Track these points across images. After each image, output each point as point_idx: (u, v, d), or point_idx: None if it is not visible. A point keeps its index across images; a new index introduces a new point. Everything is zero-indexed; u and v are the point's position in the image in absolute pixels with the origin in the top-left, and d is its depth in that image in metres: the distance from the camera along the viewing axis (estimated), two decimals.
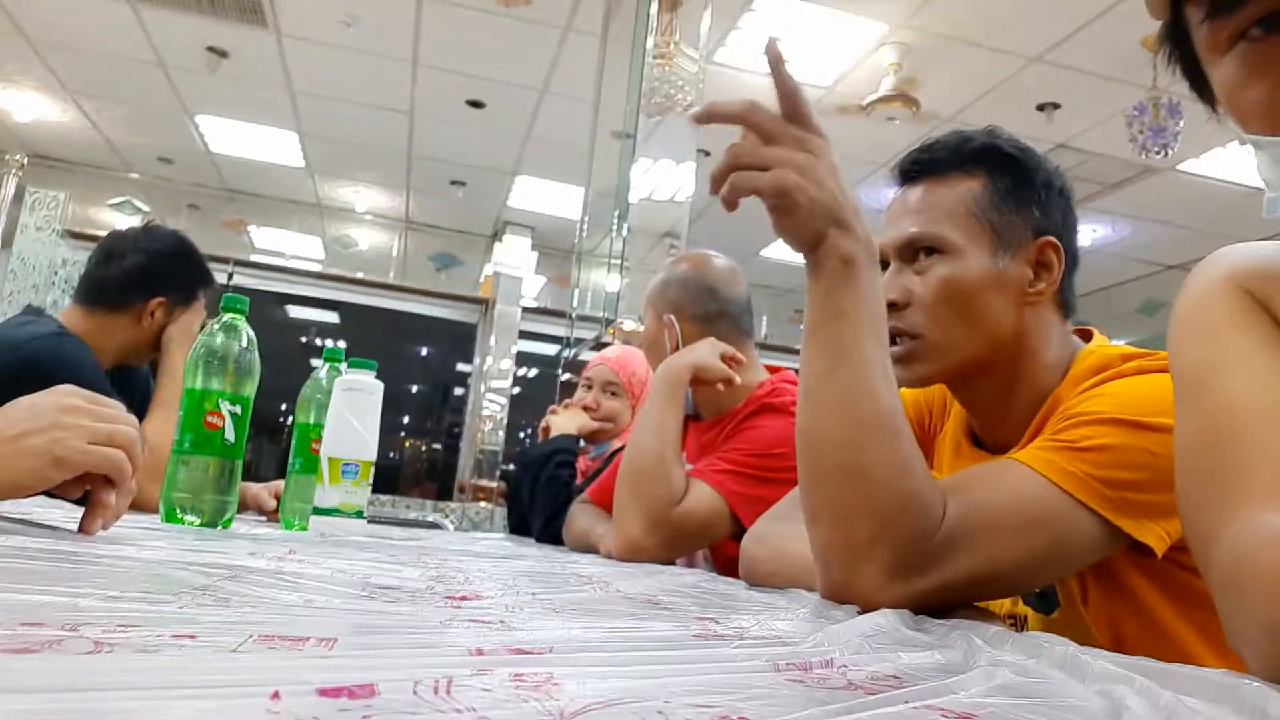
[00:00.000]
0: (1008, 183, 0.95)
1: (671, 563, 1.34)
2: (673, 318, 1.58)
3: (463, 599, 0.59)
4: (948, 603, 0.72)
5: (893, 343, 0.94)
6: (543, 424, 2.16)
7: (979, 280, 0.92)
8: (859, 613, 0.69)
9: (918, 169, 0.99)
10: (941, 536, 0.71)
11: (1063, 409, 0.85)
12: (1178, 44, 0.59)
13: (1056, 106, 4.62)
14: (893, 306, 0.93)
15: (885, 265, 0.99)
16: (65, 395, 0.75)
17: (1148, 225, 6.04)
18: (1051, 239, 0.95)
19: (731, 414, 1.53)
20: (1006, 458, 0.81)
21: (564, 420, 2.10)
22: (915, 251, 0.95)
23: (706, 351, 1.50)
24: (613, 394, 2.17)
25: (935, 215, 0.95)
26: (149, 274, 1.75)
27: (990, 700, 0.40)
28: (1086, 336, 1.00)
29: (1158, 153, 4.12)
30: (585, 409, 2.16)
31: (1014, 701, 0.40)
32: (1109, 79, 4.30)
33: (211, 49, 4.94)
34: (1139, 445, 0.77)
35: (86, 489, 0.77)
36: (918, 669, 0.47)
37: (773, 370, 1.61)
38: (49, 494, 0.76)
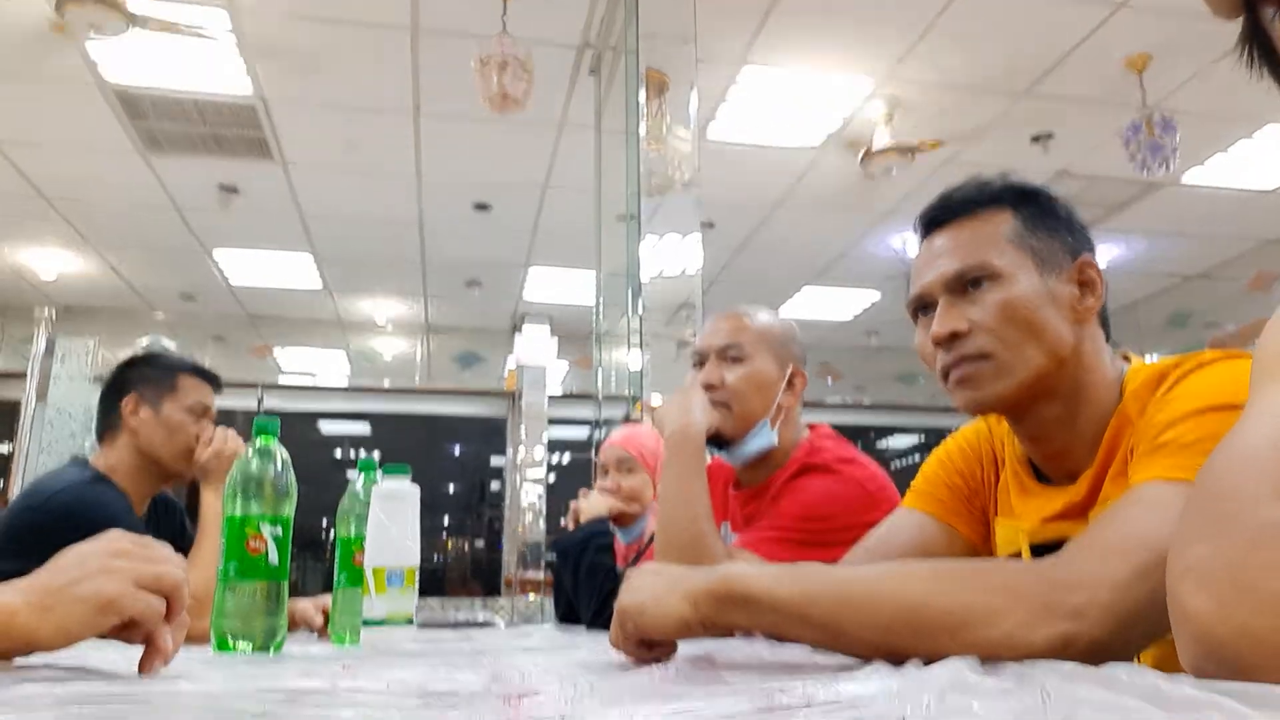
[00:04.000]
0: (1035, 212, 0.98)
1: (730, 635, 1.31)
2: (797, 371, 1.54)
3: (521, 697, 0.58)
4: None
5: (957, 366, 0.95)
6: (571, 509, 2.15)
7: (1035, 299, 0.94)
8: (924, 664, 0.67)
9: (945, 214, 1.01)
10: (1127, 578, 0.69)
11: (1143, 423, 0.85)
12: (1258, 44, 0.60)
13: (1050, 136, 4.66)
14: (954, 336, 0.94)
15: (924, 310, 1.00)
16: (112, 540, 0.76)
17: (1162, 239, 6.02)
18: (1089, 258, 0.98)
19: (774, 478, 1.50)
20: (1132, 488, 0.79)
21: (593, 503, 2.08)
22: (964, 284, 0.96)
23: (701, 403, 1.47)
24: (629, 471, 2.14)
25: (977, 247, 0.96)
26: (118, 383, 1.87)
27: None
28: (1125, 359, 1.00)
29: (1159, 169, 4.13)
30: (614, 492, 2.14)
31: None
32: (1099, 102, 4.34)
33: (222, 186, 5.12)
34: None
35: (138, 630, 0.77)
36: (994, 718, 0.45)
37: (811, 427, 1.59)
38: (101, 636, 0.76)
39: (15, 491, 4.73)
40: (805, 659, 0.84)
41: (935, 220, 1.02)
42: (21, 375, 5.10)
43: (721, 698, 0.55)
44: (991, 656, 0.67)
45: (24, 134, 4.55)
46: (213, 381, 1.94)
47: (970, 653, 0.67)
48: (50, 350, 4.77)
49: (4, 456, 6.52)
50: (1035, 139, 4.68)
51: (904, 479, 1.31)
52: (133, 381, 1.85)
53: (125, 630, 0.76)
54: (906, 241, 5.86)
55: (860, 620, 0.74)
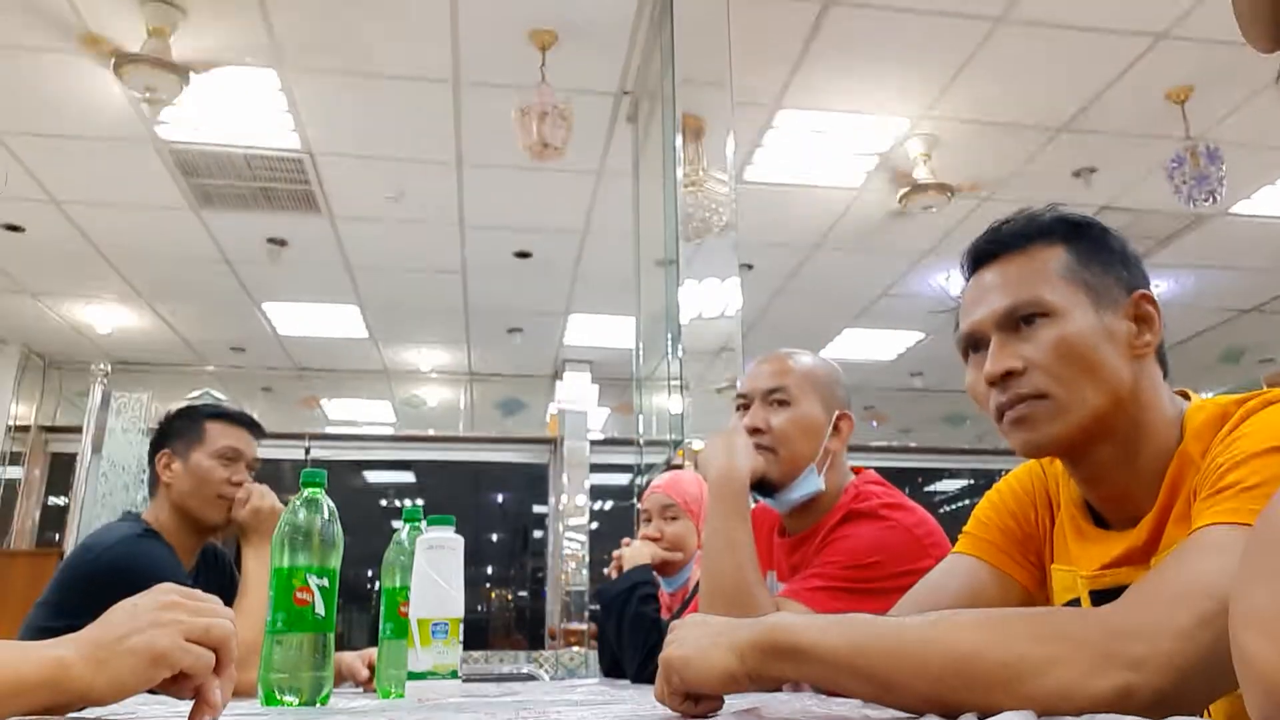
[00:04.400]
0: (1088, 246, 0.96)
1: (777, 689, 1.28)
2: (843, 415, 1.52)
3: None
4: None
5: (1011, 406, 0.92)
6: (615, 558, 2.13)
7: (1091, 336, 0.91)
8: (979, 718, 0.65)
9: (994, 248, 0.98)
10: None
11: (1207, 463, 0.82)
12: None
13: (1093, 171, 4.61)
14: (1009, 375, 0.92)
15: (974, 348, 0.98)
16: (163, 593, 0.77)
17: (1212, 273, 5.90)
18: (1146, 293, 0.95)
19: (820, 525, 1.47)
20: (1194, 532, 0.76)
21: (636, 552, 2.05)
22: (1017, 321, 0.93)
23: (744, 447, 1.45)
24: (672, 518, 2.12)
25: (1030, 283, 0.94)
26: (156, 439, 1.91)
27: None
28: (1183, 396, 0.97)
29: (1205, 200, 4.06)
30: (656, 540, 2.12)
31: None
32: (1141, 136, 4.30)
33: (271, 240, 5.25)
34: None
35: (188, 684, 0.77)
36: None
37: (855, 471, 1.57)
38: (151, 690, 0.77)
39: (70, 543, 4.83)
40: (854, 713, 0.82)
41: (984, 255, 0.99)
42: (78, 429, 5.24)
43: None
44: (1048, 710, 0.65)
45: (83, 193, 4.72)
46: (247, 425, 1.93)
47: (1026, 706, 0.65)
48: (105, 404, 4.89)
49: (61, 508, 6.67)
50: (1076, 174, 4.63)
51: (953, 524, 1.28)
52: (167, 436, 1.89)
53: (175, 684, 0.76)
54: (950, 279, 5.81)
55: (910, 672, 0.72)
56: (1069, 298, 0.92)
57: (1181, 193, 4.09)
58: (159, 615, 0.75)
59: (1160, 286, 6.01)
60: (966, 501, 8.93)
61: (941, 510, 8.68)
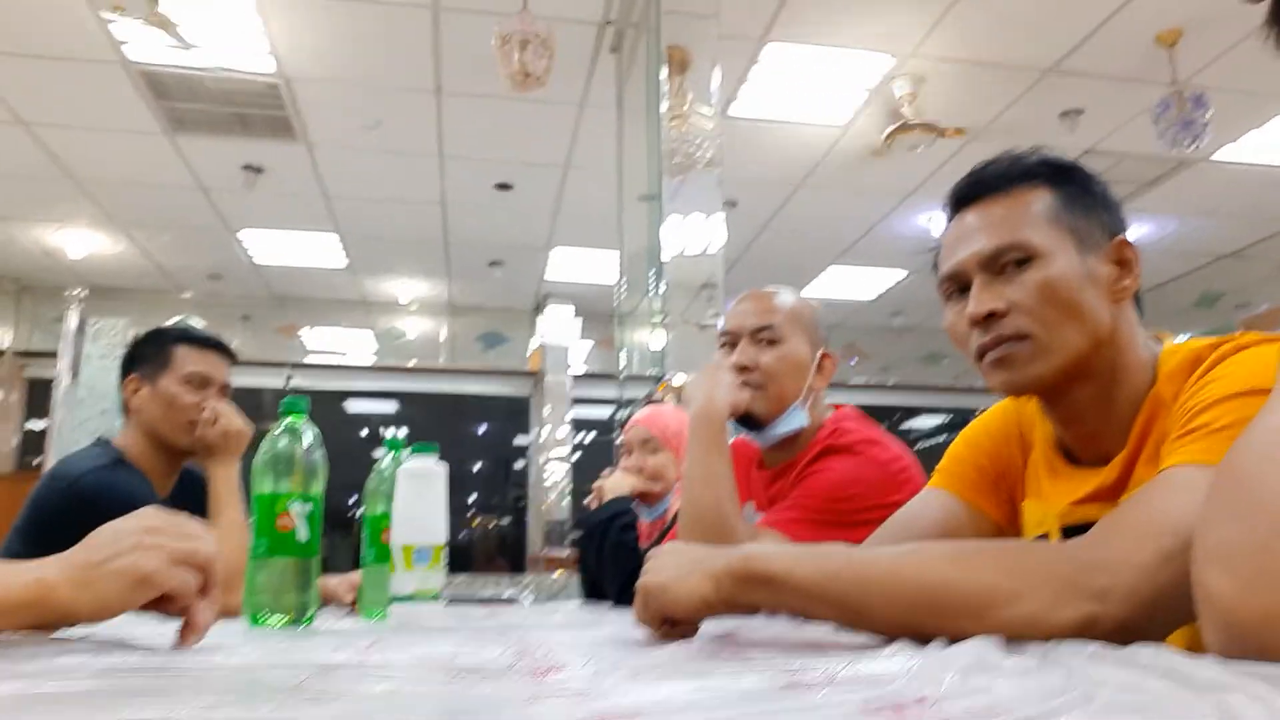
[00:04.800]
0: (1072, 190, 0.96)
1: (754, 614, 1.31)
2: (827, 354, 1.55)
3: (547, 672, 0.59)
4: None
5: (994, 347, 0.93)
6: (595, 489, 2.16)
7: (1075, 279, 0.92)
8: (947, 644, 0.67)
9: (978, 190, 0.98)
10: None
11: (1179, 406, 0.84)
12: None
13: (1079, 113, 4.58)
14: (992, 316, 0.93)
15: (957, 289, 0.98)
16: (146, 517, 0.78)
17: (1192, 218, 5.92)
18: (1125, 238, 0.96)
19: (799, 458, 1.50)
20: (1162, 471, 0.78)
21: (616, 483, 2.09)
22: (1001, 263, 0.94)
23: (728, 383, 1.47)
24: (653, 450, 2.17)
25: (1014, 225, 0.94)
26: (124, 365, 1.88)
27: None
28: (1157, 340, 0.99)
29: (1189, 146, 4.06)
30: (639, 471, 2.16)
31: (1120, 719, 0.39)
32: (1128, 79, 4.27)
33: (247, 166, 5.15)
34: None
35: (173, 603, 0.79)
36: (1014, 699, 0.46)
37: (835, 407, 1.59)
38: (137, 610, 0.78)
39: (49, 467, 4.82)
40: (828, 638, 0.84)
41: (967, 196, 0.99)
42: (53, 355, 5.19)
43: (744, 675, 0.56)
44: (1015, 637, 0.68)
45: (51, 114, 4.59)
46: (216, 348, 1.88)
47: (993, 633, 0.68)
48: (81, 330, 4.84)
49: (40, 433, 6.65)
50: (1063, 115, 4.61)
51: (929, 460, 1.30)
52: (135, 361, 1.85)
53: (161, 604, 0.78)
54: (933, 220, 5.81)
55: (882, 601, 0.74)
56: (1053, 240, 0.93)
57: (1166, 137, 4.09)
58: (143, 538, 0.76)
59: (1141, 231, 6.04)
60: (943, 438, 9.06)
61: (918, 446, 8.81)
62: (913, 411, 9.04)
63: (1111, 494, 0.92)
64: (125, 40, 3.93)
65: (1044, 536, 1.00)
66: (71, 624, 0.75)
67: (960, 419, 8.47)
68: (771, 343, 1.51)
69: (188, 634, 0.78)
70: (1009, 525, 1.08)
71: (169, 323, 1.97)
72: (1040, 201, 0.95)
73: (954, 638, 0.68)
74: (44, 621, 0.72)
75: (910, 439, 8.94)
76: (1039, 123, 4.62)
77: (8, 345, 7.00)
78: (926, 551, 0.79)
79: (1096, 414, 0.95)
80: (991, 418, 1.12)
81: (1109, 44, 4.01)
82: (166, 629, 0.81)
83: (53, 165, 5.11)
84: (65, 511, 1.61)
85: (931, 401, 8.72)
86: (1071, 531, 0.94)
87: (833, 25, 3.92)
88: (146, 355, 1.85)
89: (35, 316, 7.12)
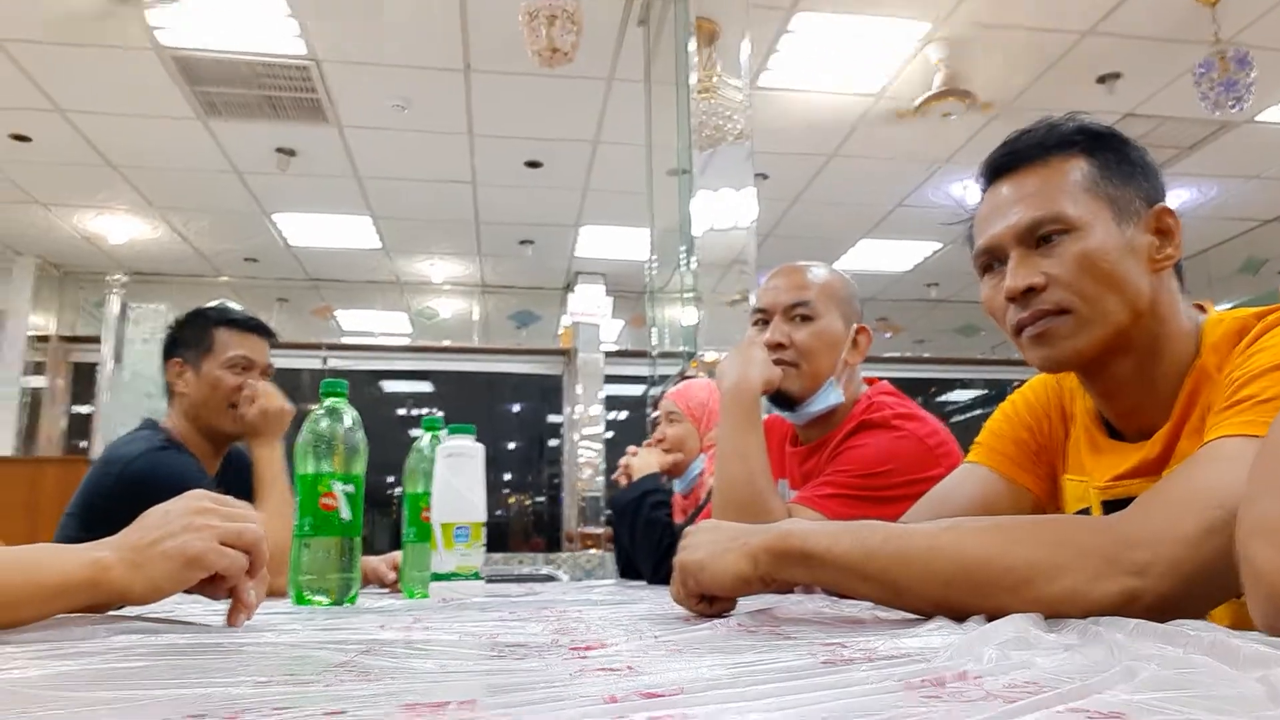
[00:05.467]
0: (1109, 158, 0.94)
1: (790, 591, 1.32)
2: (862, 328, 1.53)
3: (588, 648, 0.60)
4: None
5: (1033, 323, 0.92)
6: (621, 465, 2.19)
7: (1114, 250, 0.90)
8: (986, 620, 0.67)
9: (1012, 159, 0.96)
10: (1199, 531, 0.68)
11: (1224, 377, 0.82)
12: None
13: (1117, 76, 4.48)
14: (1030, 291, 0.91)
15: (993, 262, 0.97)
16: (195, 499, 0.80)
17: (1235, 182, 5.78)
18: (1166, 206, 0.93)
19: (833, 435, 1.49)
20: (1207, 443, 0.76)
21: (644, 460, 2.12)
22: (1037, 235, 0.92)
23: (760, 360, 1.46)
24: (674, 421, 2.20)
25: (1051, 196, 0.92)
26: (166, 348, 1.88)
27: (1138, 697, 0.39)
28: (1199, 309, 0.96)
29: (1232, 107, 3.94)
30: (657, 442, 2.21)
31: (1163, 695, 0.39)
32: (1168, 40, 4.16)
33: (280, 150, 5.19)
34: None
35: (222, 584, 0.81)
36: (1058, 673, 0.46)
37: (869, 382, 1.58)
38: (188, 590, 0.80)
39: (96, 450, 4.94)
40: (866, 614, 0.85)
41: (1001, 167, 0.97)
42: (96, 340, 5.29)
43: (783, 651, 0.56)
44: (1054, 613, 0.67)
45: (89, 101, 4.66)
46: (257, 330, 1.90)
47: (1032, 609, 0.67)
48: (123, 315, 4.94)
49: (85, 416, 6.81)
50: (1101, 79, 4.50)
51: (966, 434, 1.29)
52: (178, 344, 1.87)
53: (210, 585, 0.80)
54: (967, 189, 5.72)
55: (919, 577, 0.74)
56: (1091, 211, 0.91)
57: (1208, 99, 3.97)
58: (192, 520, 0.78)
59: (1182, 196, 5.90)
60: (979, 412, 8.97)
61: (954, 420, 8.73)
62: (948, 385, 8.95)
63: (1154, 468, 0.90)
64: (159, 26, 3.97)
65: (1085, 511, 0.99)
66: (125, 605, 0.77)
67: (997, 392, 8.38)
68: (805, 319, 1.49)
69: (237, 613, 0.80)
70: (1049, 500, 1.07)
71: (208, 305, 1.98)
72: (1077, 171, 0.92)
73: (993, 614, 0.68)
74: (100, 602, 0.74)
75: (946, 413, 8.86)
76: (1076, 87, 4.52)
77: (52, 331, 7.14)
78: (965, 527, 0.79)
79: (1137, 387, 0.93)
80: (1031, 391, 1.11)
81: (1148, 4, 3.90)
82: (217, 608, 0.83)
83: (91, 152, 5.18)
84: (119, 494, 1.64)
85: (968, 374, 8.63)
86: (1113, 506, 0.93)
87: None
88: (189, 339, 1.86)
89: (78, 302, 7.25)
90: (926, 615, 0.74)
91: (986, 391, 8.80)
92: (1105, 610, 0.67)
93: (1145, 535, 0.69)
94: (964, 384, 8.97)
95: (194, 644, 0.63)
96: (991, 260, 0.97)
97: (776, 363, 1.47)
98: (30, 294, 6.84)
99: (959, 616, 0.71)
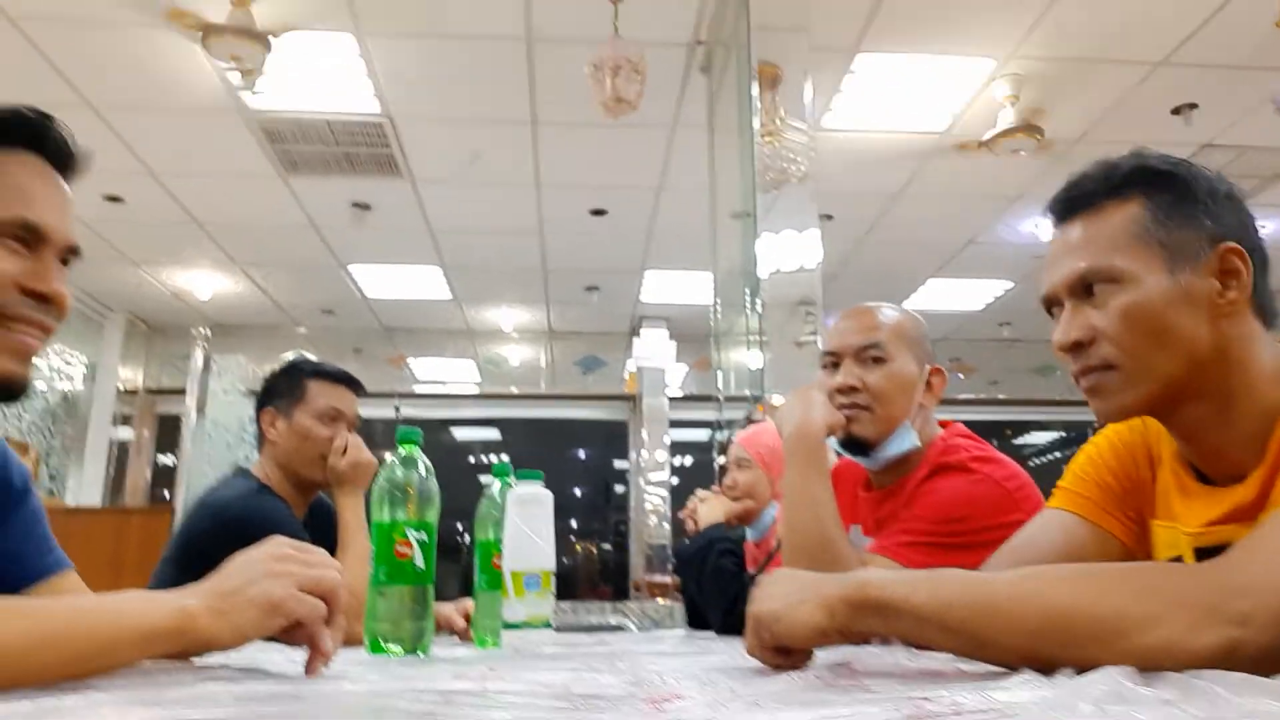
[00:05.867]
0: (1168, 199, 0.91)
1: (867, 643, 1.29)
2: (935, 369, 1.50)
3: (664, 700, 0.59)
4: None
5: (1085, 375, 0.91)
6: (689, 508, 2.16)
7: (1162, 301, 0.88)
8: (1077, 673, 0.65)
9: (1070, 205, 0.96)
10: None
11: None
12: None
13: (1193, 107, 4.37)
14: (1078, 346, 0.91)
15: (1054, 308, 0.96)
16: (276, 546, 0.82)
17: None
18: (1232, 244, 0.90)
19: (907, 479, 1.45)
20: None
21: (710, 511, 2.09)
22: (1088, 287, 0.91)
23: (821, 403, 1.43)
24: (744, 468, 2.15)
25: (1099, 247, 0.91)
26: (259, 398, 1.95)
27: None
28: None
29: None
30: (725, 490, 2.16)
31: None
32: (1245, 68, 4.05)
33: (356, 204, 5.38)
34: None
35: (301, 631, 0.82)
36: None
37: (944, 425, 1.54)
38: (268, 639, 0.81)
39: (180, 500, 5.10)
40: (947, 666, 0.82)
41: (1060, 211, 0.97)
42: (182, 391, 5.50)
43: (866, 705, 0.55)
44: (1149, 665, 0.64)
45: (177, 164, 4.90)
46: (347, 383, 1.94)
47: (1125, 661, 0.64)
48: (207, 367, 5.12)
49: (169, 467, 7.04)
50: (1175, 110, 4.40)
51: (1043, 477, 1.25)
52: (271, 394, 1.93)
53: (290, 632, 0.81)
54: (1039, 226, 5.61)
55: (1004, 627, 0.72)
56: (1140, 261, 0.89)
57: None
58: (273, 566, 0.80)
59: (1266, 228, 5.68)
60: (1057, 454, 8.69)
61: (1031, 463, 8.47)
62: (1024, 427, 8.71)
63: (1249, 513, 0.86)
64: (243, 89, 4.17)
65: (1177, 559, 0.94)
66: (210, 651, 0.79)
67: (1075, 434, 8.12)
68: (877, 361, 1.46)
69: (314, 661, 0.81)
70: (1137, 547, 1.03)
71: (286, 356, 2.05)
72: (1129, 218, 0.91)
73: (1082, 666, 0.65)
74: (186, 649, 0.76)
75: (1022, 456, 8.61)
76: (1150, 119, 4.42)
77: (139, 384, 7.44)
78: (1050, 574, 0.76)
79: (1217, 431, 0.90)
80: (1116, 433, 1.07)
81: (1223, 32, 3.81)
82: (292, 656, 0.85)
83: (179, 210, 5.43)
84: (215, 538, 1.68)
85: (1044, 416, 8.38)
86: (1206, 554, 0.89)
87: (927, 31, 3.85)
88: (281, 389, 1.92)
89: (164, 355, 7.56)
90: (1010, 667, 0.71)
91: (1064, 434, 8.53)
92: (1204, 663, 0.63)
93: (1247, 583, 0.66)
94: (1041, 426, 8.71)
95: (276, 693, 0.64)
96: (1052, 306, 0.97)
97: (849, 407, 1.44)
98: (120, 349, 7.16)
99: (1045, 669, 0.68)
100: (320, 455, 1.86)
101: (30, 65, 3.92)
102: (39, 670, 0.65)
